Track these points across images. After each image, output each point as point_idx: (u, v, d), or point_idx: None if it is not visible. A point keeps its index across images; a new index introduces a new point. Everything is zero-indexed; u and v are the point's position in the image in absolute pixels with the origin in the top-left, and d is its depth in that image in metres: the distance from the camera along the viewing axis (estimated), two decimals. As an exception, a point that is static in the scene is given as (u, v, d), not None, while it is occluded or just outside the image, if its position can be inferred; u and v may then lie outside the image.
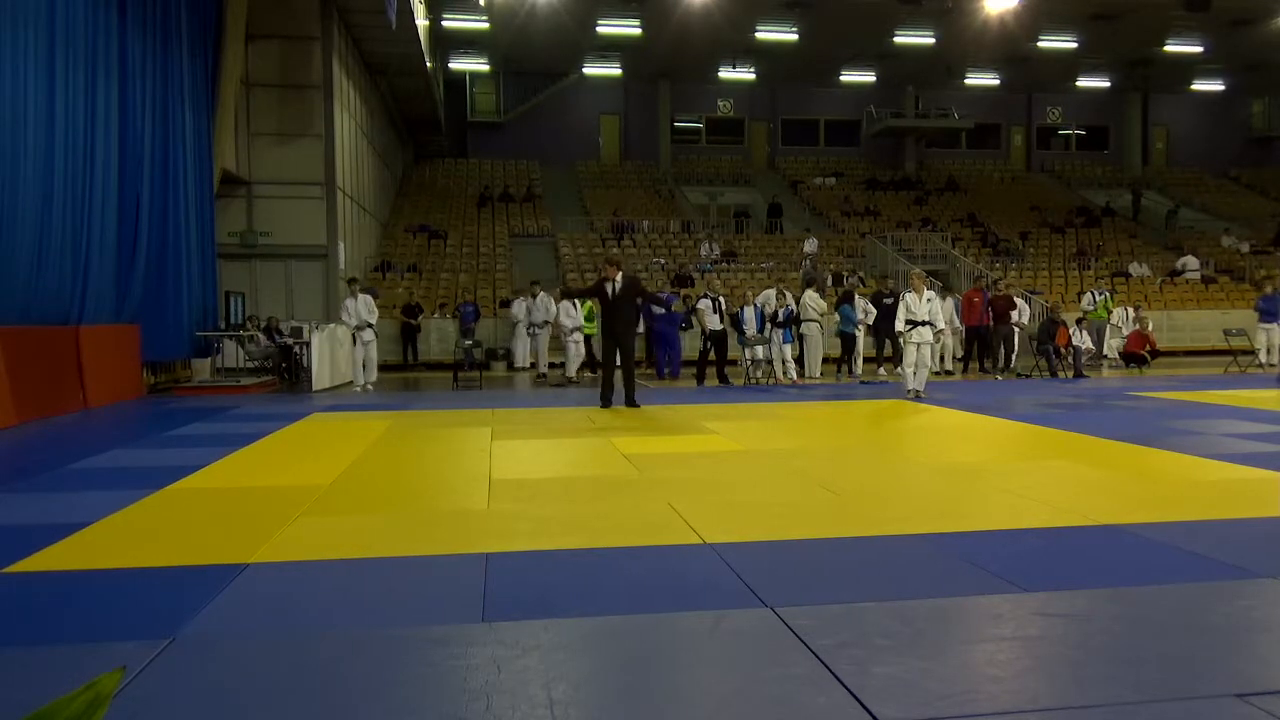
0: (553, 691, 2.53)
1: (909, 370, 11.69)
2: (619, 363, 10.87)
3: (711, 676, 2.72)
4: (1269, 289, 17.15)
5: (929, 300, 11.64)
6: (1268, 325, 16.39)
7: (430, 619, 3.18)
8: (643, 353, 18.79)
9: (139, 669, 2.71)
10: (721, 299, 15.26)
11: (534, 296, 16.83)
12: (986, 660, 2.78)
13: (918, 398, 11.36)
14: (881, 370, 15.68)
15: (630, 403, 10.56)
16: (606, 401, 10.67)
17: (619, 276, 10.73)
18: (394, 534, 4.49)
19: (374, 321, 14.33)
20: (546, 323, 16.47)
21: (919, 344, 11.59)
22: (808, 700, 2.47)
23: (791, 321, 14.92)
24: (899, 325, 11.85)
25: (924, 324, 11.56)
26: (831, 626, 3.01)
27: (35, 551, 4.12)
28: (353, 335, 14.28)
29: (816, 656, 2.75)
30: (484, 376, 15.59)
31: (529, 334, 17.05)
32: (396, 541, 4.32)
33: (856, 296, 16.72)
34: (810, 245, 25.15)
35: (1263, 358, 16.20)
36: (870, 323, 15.85)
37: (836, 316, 16.01)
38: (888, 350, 15.83)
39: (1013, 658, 2.79)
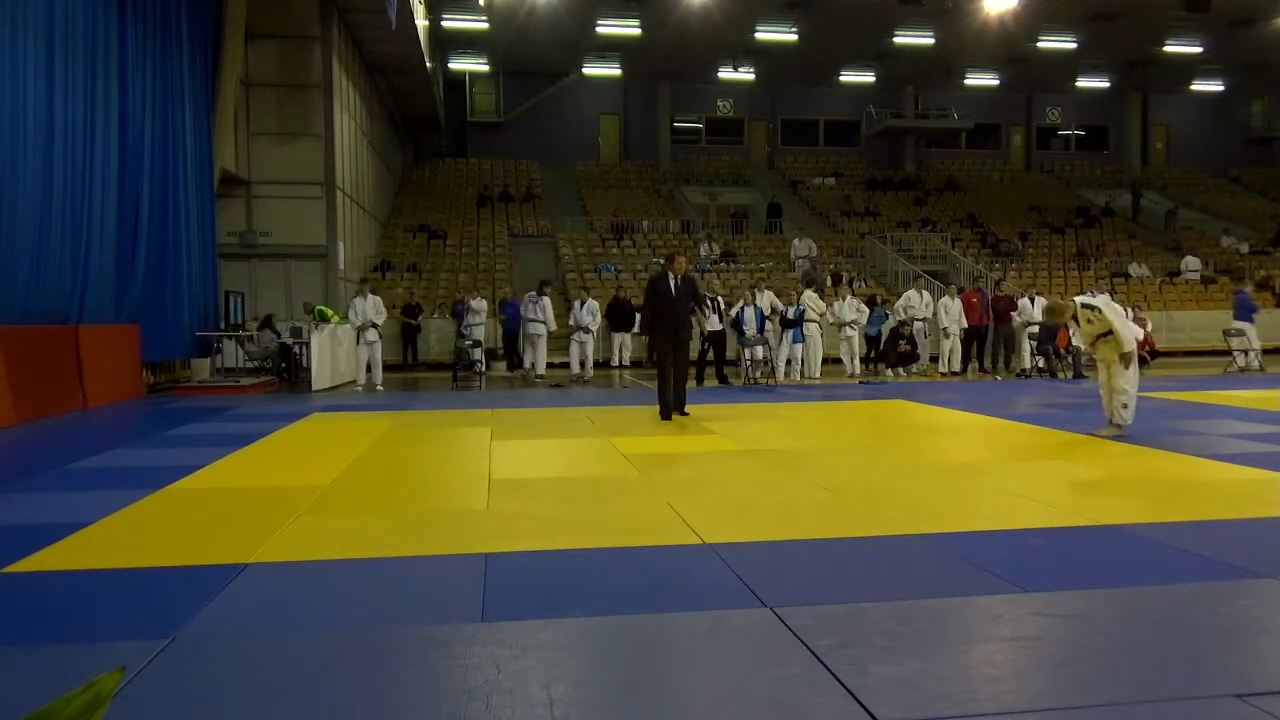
0: (552, 691, 2.53)
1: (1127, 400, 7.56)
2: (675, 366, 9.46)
3: (711, 676, 2.72)
4: (1249, 286, 16.94)
5: None
6: (1241, 323, 15.91)
7: (430, 619, 3.18)
8: (643, 354, 18.74)
9: (139, 669, 2.71)
10: (720, 299, 15.24)
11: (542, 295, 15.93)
12: (985, 660, 2.78)
13: (1120, 436, 7.42)
14: (889, 372, 15.69)
15: (680, 410, 9.41)
16: (668, 413, 9.27)
17: (681, 271, 9.49)
18: (394, 534, 4.48)
19: (380, 322, 14.32)
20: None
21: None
22: (807, 700, 2.47)
23: (799, 321, 14.91)
24: (1082, 342, 8.22)
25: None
26: (831, 626, 3.01)
27: (35, 551, 4.12)
28: (357, 334, 14.28)
29: (816, 656, 2.75)
30: (484, 376, 15.57)
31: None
32: (396, 541, 4.32)
33: (850, 296, 16.77)
34: (804, 247, 24.37)
35: (1254, 361, 15.70)
36: (864, 323, 15.97)
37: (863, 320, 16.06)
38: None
39: (1012, 658, 2.79)
